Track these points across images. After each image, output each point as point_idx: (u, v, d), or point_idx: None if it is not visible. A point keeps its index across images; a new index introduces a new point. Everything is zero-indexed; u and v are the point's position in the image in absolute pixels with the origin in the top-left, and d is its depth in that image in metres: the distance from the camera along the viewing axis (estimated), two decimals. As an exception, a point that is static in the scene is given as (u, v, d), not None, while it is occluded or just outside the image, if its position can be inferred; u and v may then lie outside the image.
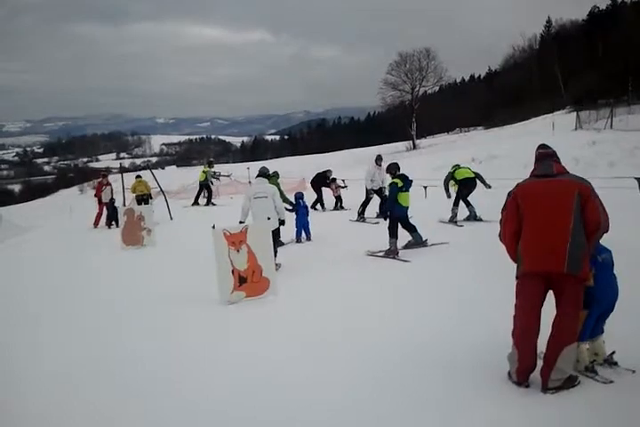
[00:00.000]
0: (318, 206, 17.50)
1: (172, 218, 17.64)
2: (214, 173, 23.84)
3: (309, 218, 12.36)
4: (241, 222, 9.07)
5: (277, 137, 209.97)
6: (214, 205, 21.55)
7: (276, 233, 9.19)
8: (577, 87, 64.94)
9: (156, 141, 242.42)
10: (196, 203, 21.91)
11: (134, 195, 18.57)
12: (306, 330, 6.00)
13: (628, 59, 57.25)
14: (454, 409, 3.98)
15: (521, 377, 4.21)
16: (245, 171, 29.16)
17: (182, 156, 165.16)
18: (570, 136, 29.70)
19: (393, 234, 9.67)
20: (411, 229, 10.19)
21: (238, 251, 7.33)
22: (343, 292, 7.47)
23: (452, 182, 13.02)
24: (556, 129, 34.91)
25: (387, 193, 13.81)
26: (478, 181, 12.86)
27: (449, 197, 12.93)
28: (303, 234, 12.16)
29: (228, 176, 29.40)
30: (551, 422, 3.70)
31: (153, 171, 20.95)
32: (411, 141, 60.44)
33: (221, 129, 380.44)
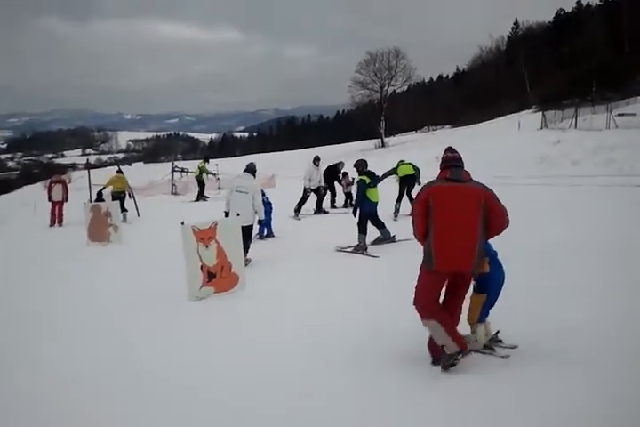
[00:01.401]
0: (323, 206, 15.93)
1: (139, 215, 17.48)
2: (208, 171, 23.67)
3: (272, 214, 12.36)
4: (225, 213, 9.27)
5: (246, 134, 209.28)
6: (205, 200, 21.49)
7: (249, 229, 9.22)
8: (543, 87, 66.08)
9: (123, 138, 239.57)
10: (202, 197, 21.84)
11: (110, 191, 17.81)
12: (273, 325, 6.03)
13: (593, 60, 58.37)
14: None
15: (463, 346, 4.47)
16: (214, 167, 29.03)
17: (149, 152, 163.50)
18: (535, 135, 30.25)
19: (362, 230, 9.77)
20: (379, 225, 10.31)
21: (207, 247, 7.32)
22: (311, 287, 7.52)
23: (395, 177, 13.92)
24: (522, 128, 35.54)
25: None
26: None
27: (380, 181, 13.32)
28: (266, 231, 12.19)
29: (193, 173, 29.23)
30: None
31: (120, 167, 20.71)
32: (380, 139, 60.79)
33: (190, 126, 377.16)
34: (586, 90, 53.45)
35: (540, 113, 39.37)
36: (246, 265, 8.25)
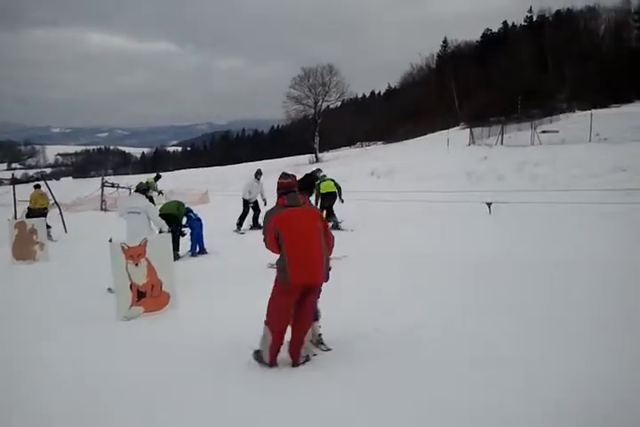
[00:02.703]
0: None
1: (66, 231, 17.01)
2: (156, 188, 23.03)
3: (203, 231, 12.26)
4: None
5: (180, 148, 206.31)
6: None
7: None
8: (471, 105, 68.10)
9: (52, 152, 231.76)
10: None
11: (29, 208, 17.10)
12: (204, 345, 5.93)
13: (518, 78, 60.65)
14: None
15: (272, 359, 5.10)
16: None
17: (79, 167, 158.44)
18: (464, 151, 31.10)
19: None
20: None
21: (137, 265, 7.18)
22: (238, 305, 7.29)
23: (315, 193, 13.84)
24: (451, 144, 36.41)
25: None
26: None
27: (315, 202, 13.69)
28: (197, 247, 12.09)
29: (127, 188, 28.62)
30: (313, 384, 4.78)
31: (47, 182, 20.12)
32: (314, 154, 61.12)
33: (121, 139, 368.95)
34: (512, 107, 55.37)
35: (469, 130, 40.50)
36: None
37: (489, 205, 14.55)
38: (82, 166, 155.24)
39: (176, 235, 11.41)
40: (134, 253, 7.20)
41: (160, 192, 23.28)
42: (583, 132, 27.27)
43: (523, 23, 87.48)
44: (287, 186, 5.23)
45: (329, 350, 5.50)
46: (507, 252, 9.57)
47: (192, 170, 63.66)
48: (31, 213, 16.13)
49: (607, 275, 7.73)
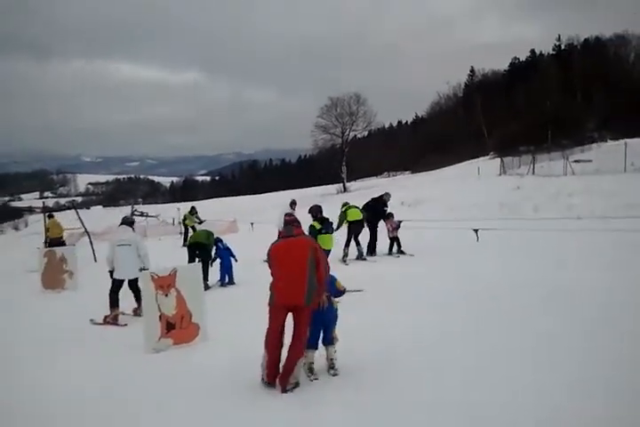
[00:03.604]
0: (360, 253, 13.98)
1: (96, 260, 16.97)
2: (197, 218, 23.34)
3: (232, 261, 12.07)
4: (110, 271, 9.17)
5: (208, 178, 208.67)
6: None
7: (137, 282, 8.98)
8: (499, 134, 67.72)
9: (82, 180, 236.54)
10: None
11: (49, 237, 17.13)
12: (234, 379, 5.72)
13: (547, 107, 60.27)
14: None
15: (270, 379, 5.49)
16: (175, 211, 28.70)
17: (109, 195, 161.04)
18: (495, 181, 30.67)
19: None
20: None
21: (166, 295, 6.99)
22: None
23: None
24: (481, 174, 36.06)
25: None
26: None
27: (337, 229, 13.29)
28: (227, 278, 11.89)
29: (156, 217, 28.78)
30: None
31: (78, 211, 20.22)
32: (341, 184, 61.13)
33: (151, 169, 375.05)
34: (541, 137, 54.90)
35: (499, 159, 40.11)
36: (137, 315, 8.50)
37: (476, 231, 14.64)
38: (112, 195, 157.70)
39: (205, 264, 11.26)
40: (164, 283, 7.02)
41: (201, 222, 23.28)
42: (617, 162, 26.72)
43: (551, 52, 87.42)
44: (288, 222, 6.02)
45: (336, 374, 5.75)
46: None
47: (221, 199, 64.01)
48: (51, 243, 16.25)
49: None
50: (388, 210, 15.02)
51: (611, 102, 62.20)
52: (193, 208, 23.81)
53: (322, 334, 5.81)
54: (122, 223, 9.72)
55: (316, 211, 10.90)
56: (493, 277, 10.16)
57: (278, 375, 5.46)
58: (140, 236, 9.74)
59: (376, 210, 14.69)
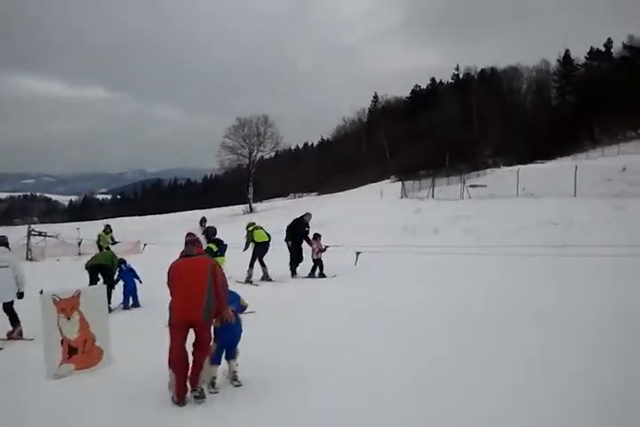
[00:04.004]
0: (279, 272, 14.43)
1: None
2: (112, 238, 21.86)
3: (137, 283, 11.83)
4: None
5: (109, 196, 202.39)
6: None
7: (11, 305, 8.83)
8: (401, 158, 69.94)
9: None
10: None
11: None
12: (133, 410, 5.60)
13: (445, 133, 62.91)
14: None
15: (179, 398, 5.60)
16: (74, 231, 27.71)
17: (3, 214, 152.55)
18: (397, 204, 31.67)
19: None
20: None
21: (69, 318, 6.79)
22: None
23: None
24: (384, 197, 37.08)
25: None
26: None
27: (245, 249, 14.10)
28: (131, 300, 11.64)
29: (55, 237, 27.63)
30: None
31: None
32: (248, 205, 61.01)
33: (48, 186, 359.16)
34: (440, 162, 57.17)
35: (400, 183, 41.42)
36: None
37: (357, 254, 15.34)
38: (6, 213, 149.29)
39: (108, 287, 10.98)
40: (67, 306, 6.82)
41: (115, 242, 22.03)
42: (510, 187, 28.29)
43: (450, 80, 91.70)
44: (189, 242, 6.32)
45: (240, 385, 6.04)
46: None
47: (122, 218, 62.07)
48: None
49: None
50: (310, 230, 15.16)
51: (504, 130, 65.85)
52: (108, 226, 22.26)
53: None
54: None
55: (211, 233, 10.99)
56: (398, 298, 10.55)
57: (189, 379, 5.70)
58: (17, 257, 9.36)
59: (297, 230, 14.87)
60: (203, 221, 15.49)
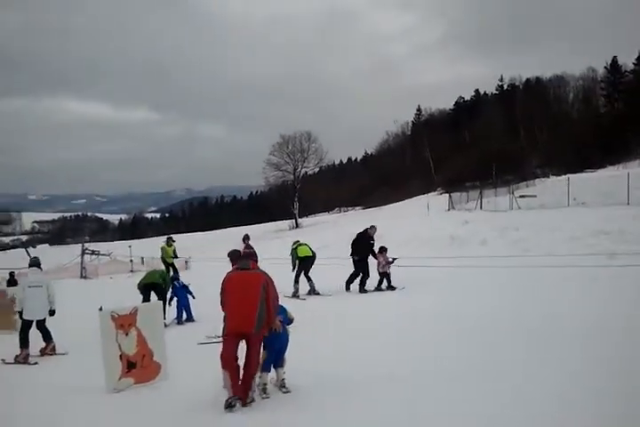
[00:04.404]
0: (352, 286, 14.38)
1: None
2: (174, 251, 20.69)
3: (190, 298, 12.06)
4: (19, 312, 9.35)
5: (158, 215, 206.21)
6: None
7: (43, 322, 9.43)
8: (446, 171, 69.48)
9: (28, 219, 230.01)
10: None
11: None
12: (197, 419, 5.73)
13: (491, 145, 62.27)
14: None
15: (237, 392, 5.87)
16: (126, 249, 28.32)
17: (56, 233, 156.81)
18: (444, 216, 31.41)
19: None
20: None
21: (127, 334, 6.96)
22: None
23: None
24: (431, 209, 36.82)
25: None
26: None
27: (294, 269, 14.17)
28: (185, 315, 11.86)
29: (108, 255, 28.34)
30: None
31: (27, 249, 19.82)
32: (294, 220, 61.41)
33: (98, 206, 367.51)
34: (487, 173, 56.55)
35: (447, 195, 41.12)
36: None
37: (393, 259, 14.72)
38: (59, 233, 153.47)
39: (162, 304, 11.20)
40: (125, 323, 7.00)
41: (177, 256, 21.00)
42: (560, 197, 27.80)
43: (494, 91, 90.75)
44: (246, 254, 6.90)
45: (288, 392, 6.31)
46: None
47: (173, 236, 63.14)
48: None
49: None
50: (375, 244, 14.79)
51: (552, 140, 64.77)
52: (170, 238, 21.40)
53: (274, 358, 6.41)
54: (31, 265, 9.96)
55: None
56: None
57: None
58: (49, 277, 10.04)
59: (362, 244, 14.54)
60: (246, 238, 15.52)
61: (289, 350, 6.49)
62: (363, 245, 14.50)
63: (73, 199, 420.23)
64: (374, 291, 14.06)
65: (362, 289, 14.12)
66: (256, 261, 6.74)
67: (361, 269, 14.29)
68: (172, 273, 14.85)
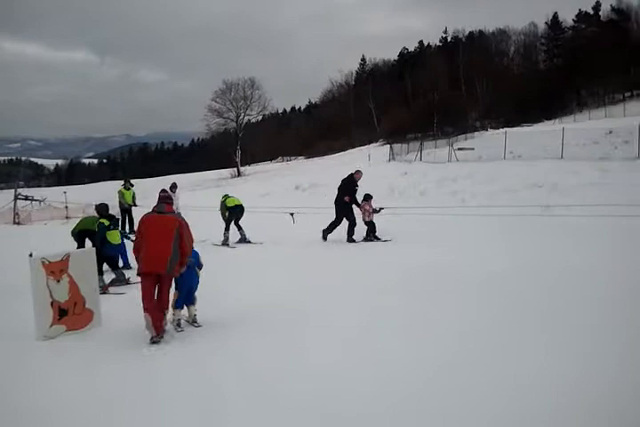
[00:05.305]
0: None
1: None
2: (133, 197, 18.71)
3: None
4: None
5: (96, 161, 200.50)
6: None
7: None
8: (389, 122, 69.77)
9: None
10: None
11: None
12: (127, 365, 5.76)
13: (434, 97, 62.68)
14: None
15: (158, 331, 6.34)
16: (61, 195, 27.57)
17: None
18: (385, 167, 31.67)
19: (99, 272, 9.40)
20: (114, 267, 10.36)
21: (59, 281, 6.84)
22: None
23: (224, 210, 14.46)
24: (372, 160, 37.05)
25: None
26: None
27: (224, 220, 14.33)
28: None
29: (42, 201, 27.52)
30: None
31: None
32: (235, 169, 60.79)
33: (33, 151, 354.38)
34: (428, 125, 57.09)
35: (388, 146, 41.37)
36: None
37: (292, 214, 15.77)
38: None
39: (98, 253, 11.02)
40: (56, 269, 6.84)
41: (136, 204, 18.49)
42: (497, 150, 28.31)
43: (438, 43, 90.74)
44: (163, 198, 7.00)
45: (199, 326, 6.95)
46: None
47: (110, 182, 61.68)
48: None
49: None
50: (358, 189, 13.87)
51: (492, 94, 65.59)
52: (127, 181, 19.52)
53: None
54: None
55: (104, 209, 11.07)
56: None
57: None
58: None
59: (348, 190, 13.61)
60: (173, 186, 15.33)
61: (205, 290, 7.26)
62: (350, 192, 13.59)
63: (6, 143, 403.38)
64: (362, 241, 13.29)
65: (349, 238, 13.29)
66: (171, 204, 7.05)
67: (346, 216, 13.45)
68: (120, 228, 13.99)
